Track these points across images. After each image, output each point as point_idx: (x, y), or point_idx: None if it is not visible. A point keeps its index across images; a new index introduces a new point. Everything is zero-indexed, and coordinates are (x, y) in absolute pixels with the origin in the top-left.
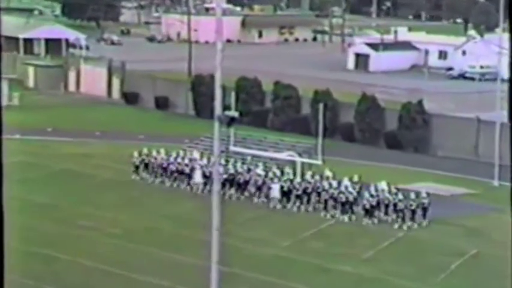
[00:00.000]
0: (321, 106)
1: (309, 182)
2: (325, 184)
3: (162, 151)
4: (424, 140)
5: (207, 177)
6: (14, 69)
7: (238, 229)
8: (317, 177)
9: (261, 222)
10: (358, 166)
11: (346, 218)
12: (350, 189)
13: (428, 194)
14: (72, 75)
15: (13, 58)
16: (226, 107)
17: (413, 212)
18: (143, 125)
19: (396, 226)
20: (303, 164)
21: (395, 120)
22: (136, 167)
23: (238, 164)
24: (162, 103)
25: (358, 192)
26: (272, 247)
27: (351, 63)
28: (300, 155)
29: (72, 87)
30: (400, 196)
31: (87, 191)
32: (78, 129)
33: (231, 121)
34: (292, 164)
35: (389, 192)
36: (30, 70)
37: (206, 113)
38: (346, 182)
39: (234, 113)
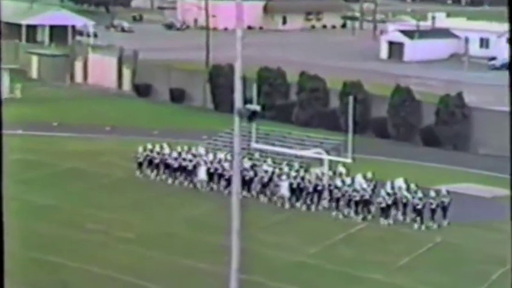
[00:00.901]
0: (350, 99)
1: (320, 179)
2: (338, 182)
3: (166, 146)
4: (464, 136)
5: (211, 174)
6: (16, 58)
7: (261, 233)
8: (330, 173)
9: (285, 226)
10: (392, 165)
11: (360, 218)
12: (364, 186)
13: (448, 192)
14: (79, 65)
15: (15, 46)
16: (247, 100)
17: (433, 211)
18: (157, 119)
19: (416, 226)
20: (331, 162)
21: (433, 115)
22: (140, 164)
23: (245, 160)
24: (177, 95)
25: (373, 190)
26: (298, 253)
27: (383, 52)
28: (327, 152)
29: (79, 78)
30: (419, 194)
31: (95, 192)
32: (86, 124)
33: (253, 115)
34: (320, 162)
35: (408, 190)
36: (34, 59)
37: (225, 107)
38: (359, 179)
39: (255, 107)
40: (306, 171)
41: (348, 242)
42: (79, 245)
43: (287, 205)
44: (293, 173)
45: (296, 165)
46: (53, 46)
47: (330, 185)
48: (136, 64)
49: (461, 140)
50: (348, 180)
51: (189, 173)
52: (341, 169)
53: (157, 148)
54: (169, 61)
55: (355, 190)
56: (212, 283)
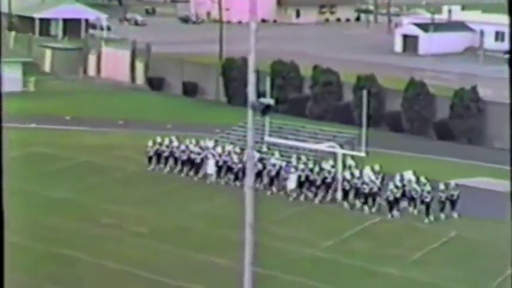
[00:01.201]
0: (364, 93)
1: (329, 172)
2: (347, 174)
3: (174, 139)
4: (479, 130)
5: (220, 167)
6: (30, 52)
7: (275, 227)
8: (340, 167)
9: (299, 219)
10: (406, 159)
11: (366, 209)
12: (373, 178)
13: (457, 185)
14: (92, 59)
15: (28, 40)
16: (260, 94)
17: (443, 204)
18: (170, 113)
19: (426, 220)
20: (344, 156)
21: (447, 109)
22: (150, 158)
23: (256, 154)
24: (190, 89)
25: (381, 183)
26: (312, 247)
27: (398, 45)
28: (341, 146)
29: (92, 71)
30: (428, 187)
31: (109, 186)
32: (99, 118)
33: (266, 109)
34: (333, 156)
35: (417, 182)
36: (47, 53)
37: (238, 100)
38: (368, 171)
39: (269, 100)
40: (315, 164)
41: (362, 236)
42: (94, 239)
43: (296, 198)
44: (301, 166)
45: (304, 158)
46: (66, 40)
47: (338, 178)
48: (150, 57)
49: (476, 134)
50: (357, 173)
51: (198, 166)
52: (350, 162)
53: (166, 141)
54: (182, 54)
55: (363, 183)
56: (226, 277)
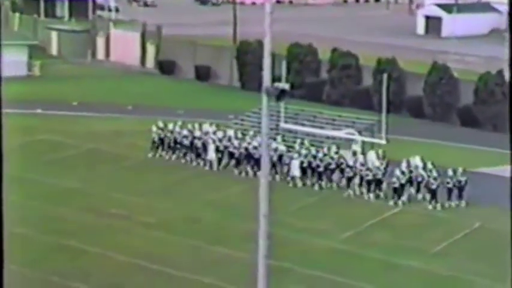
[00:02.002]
0: (384, 77)
1: (332, 158)
2: (350, 161)
3: (178, 123)
4: (504, 116)
5: (221, 153)
6: (35, 34)
7: (291, 218)
8: (341, 152)
9: (316, 210)
10: (427, 146)
11: (371, 196)
12: (377, 164)
13: (465, 171)
14: (100, 42)
15: (33, 22)
16: (276, 78)
17: (450, 191)
18: (181, 98)
19: (430, 207)
20: (363, 143)
21: (471, 94)
22: (154, 143)
23: (258, 139)
24: (203, 73)
25: (385, 169)
26: (330, 239)
27: (420, 27)
28: (360, 133)
29: (100, 55)
30: (435, 173)
31: (118, 174)
32: (108, 103)
33: (282, 94)
34: (351, 143)
35: (424, 168)
36: (53, 35)
37: (253, 85)
38: (372, 157)
39: (284, 85)
40: (318, 149)
41: (382, 227)
42: (101, 230)
43: (299, 184)
44: (304, 151)
45: (306, 143)
46: (73, 21)
47: (341, 164)
48: (160, 40)
49: (501, 120)
50: (361, 159)
51: (199, 151)
52: (355, 147)
53: (170, 126)
54: (195, 37)
55: (368, 169)
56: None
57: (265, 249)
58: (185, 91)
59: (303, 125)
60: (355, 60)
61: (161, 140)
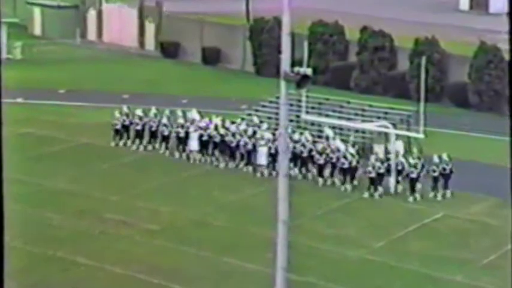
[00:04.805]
0: (423, 60)
1: (303, 145)
2: (318, 146)
3: (152, 110)
4: None
5: (205, 143)
6: (15, 10)
7: (315, 224)
8: (310, 138)
9: (344, 214)
10: (472, 140)
11: (348, 187)
12: (352, 151)
13: (450, 158)
14: (91, 19)
15: None
16: (296, 62)
17: (435, 179)
18: (186, 84)
19: (411, 199)
20: (397, 137)
21: None
22: (117, 131)
23: (242, 127)
24: (211, 56)
25: (359, 155)
26: (360, 248)
27: (463, 1)
28: (394, 125)
29: (92, 35)
30: (416, 160)
31: (114, 173)
32: (101, 91)
33: (303, 80)
34: (384, 137)
35: (405, 155)
36: (36, 12)
37: (269, 70)
38: (399, 147)
39: (306, 70)
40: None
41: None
42: (96, 239)
43: (266, 174)
44: (309, 145)
45: (307, 134)
46: None
47: (311, 150)
48: (161, 18)
49: None
50: (334, 146)
51: (181, 141)
52: (328, 131)
53: (138, 112)
54: (202, 14)
55: (344, 156)
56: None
57: (284, 261)
58: (191, 77)
59: (328, 116)
60: (389, 41)
61: (126, 128)
